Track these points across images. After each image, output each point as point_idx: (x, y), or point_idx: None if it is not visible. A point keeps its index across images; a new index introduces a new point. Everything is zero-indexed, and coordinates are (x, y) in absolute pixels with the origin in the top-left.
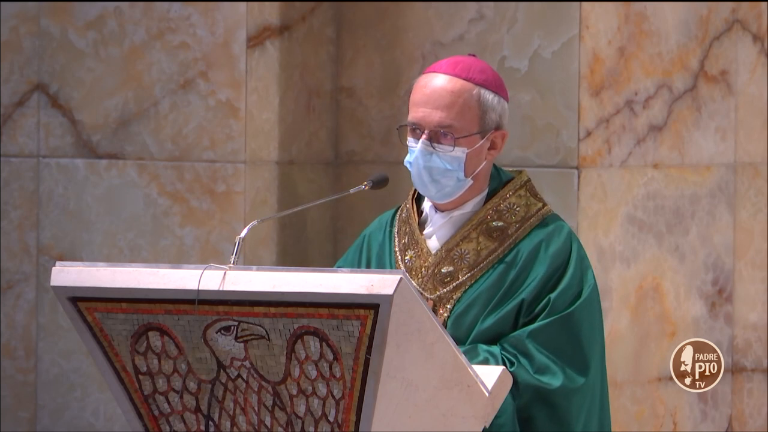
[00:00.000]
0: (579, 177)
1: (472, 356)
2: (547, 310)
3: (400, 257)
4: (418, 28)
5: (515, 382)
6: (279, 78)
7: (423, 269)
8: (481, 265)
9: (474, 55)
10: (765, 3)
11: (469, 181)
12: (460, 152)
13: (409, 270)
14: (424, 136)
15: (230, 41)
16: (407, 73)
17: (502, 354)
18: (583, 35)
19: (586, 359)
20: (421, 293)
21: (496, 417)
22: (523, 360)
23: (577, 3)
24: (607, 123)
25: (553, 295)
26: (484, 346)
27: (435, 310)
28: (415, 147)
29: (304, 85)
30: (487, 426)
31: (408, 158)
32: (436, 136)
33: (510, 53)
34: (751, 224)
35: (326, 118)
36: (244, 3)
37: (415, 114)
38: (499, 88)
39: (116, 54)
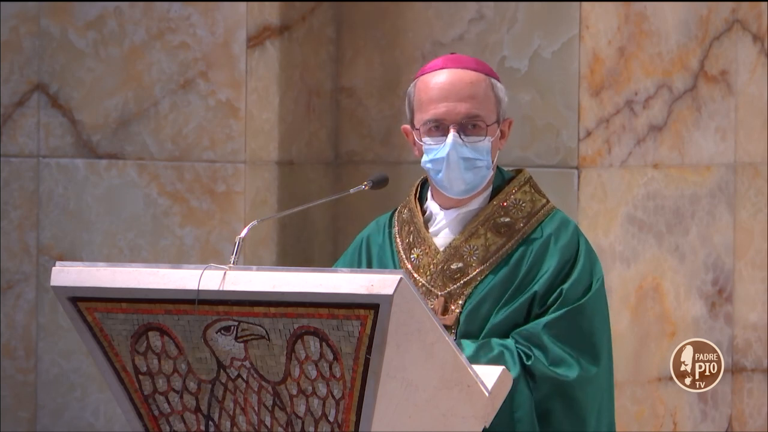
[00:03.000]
0: (579, 177)
1: (487, 351)
2: (559, 301)
3: (404, 256)
4: (418, 28)
5: (532, 376)
6: (279, 78)
7: (431, 266)
8: (491, 260)
9: (455, 53)
10: (765, 3)
11: (492, 172)
12: (487, 141)
13: (416, 268)
14: (453, 129)
15: (230, 41)
16: (407, 73)
17: (516, 347)
18: (583, 35)
19: (597, 349)
20: (431, 290)
21: (513, 411)
22: (537, 352)
23: (577, 3)
24: (607, 123)
25: (565, 287)
26: (498, 340)
27: (446, 307)
28: (436, 146)
29: (304, 85)
30: (487, 426)
31: (432, 156)
32: (463, 129)
33: (510, 53)
34: (751, 224)
35: (326, 118)
36: (244, 3)
37: (436, 110)
38: (499, 78)
39: (116, 54)
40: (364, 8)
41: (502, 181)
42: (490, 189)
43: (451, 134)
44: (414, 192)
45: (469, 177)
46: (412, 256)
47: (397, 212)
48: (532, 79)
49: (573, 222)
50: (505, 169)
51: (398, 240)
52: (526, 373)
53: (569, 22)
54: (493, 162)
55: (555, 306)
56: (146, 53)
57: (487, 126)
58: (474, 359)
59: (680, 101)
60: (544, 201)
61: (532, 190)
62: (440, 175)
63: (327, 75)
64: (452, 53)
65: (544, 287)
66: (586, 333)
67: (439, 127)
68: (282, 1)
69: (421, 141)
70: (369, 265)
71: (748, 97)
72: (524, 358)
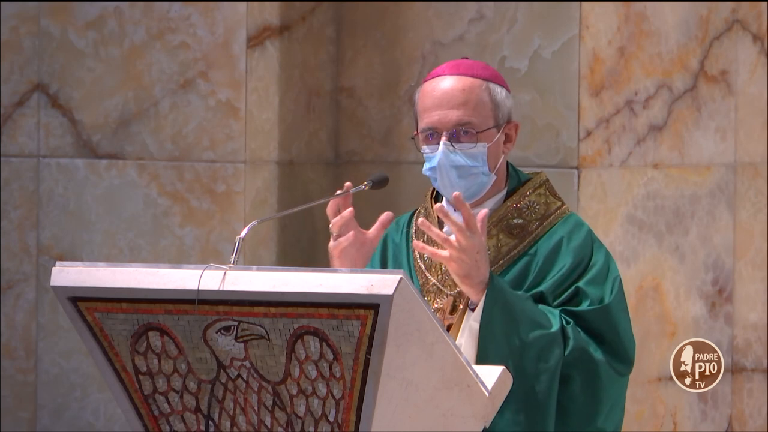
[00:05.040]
0: (579, 177)
1: (531, 303)
2: (578, 298)
3: (418, 255)
4: (418, 28)
5: (566, 338)
6: (279, 78)
7: (443, 266)
8: (501, 261)
9: (467, 58)
10: (765, 3)
11: (494, 177)
12: (482, 147)
13: (428, 267)
14: (443, 138)
15: (230, 41)
16: (407, 73)
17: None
18: (583, 35)
19: (626, 350)
20: (441, 289)
21: (543, 362)
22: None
23: (577, 3)
24: (607, 123)
25: (581, 284)
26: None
27: (455, 306)
28: (432, 153)
29: (304, 85)
30: (487, 426)
31: (429, 164)
32: (455, 136)
33: (510, 53)
34: (751, 224)
35: (326, 118)
36: (244, 3)
37: (430, 118)
38: (503, 82)
39: (116, 54)
40: (364, 8)
41: (518, 183)
42: (505, 190)
43: (441, 143)
44: (431, 192)
45: (464, 184)
46: (425, 256)
47: (416, 212)
48: (532, 79)
49: (587, 225)
50: (523, 170)
51: (414, 240)
52: (563, 333)
53: (569, 22)
54: (494, 167)
55: (574, 301)
56: (146, 53)
57: (479, 132)
58: (520, 299)
59: (680, 101)
60: (559, 204)
61: (547, 193)
62: (437, 183)
63: (327, 75)
64: (464, 58)
65: (554, 285)
66: (613, 333)
67: (433, 136)
68: (282, 1)
69: (420, 149)
70: (385, 264)
71: (748, 97)
72: (564, 321)
